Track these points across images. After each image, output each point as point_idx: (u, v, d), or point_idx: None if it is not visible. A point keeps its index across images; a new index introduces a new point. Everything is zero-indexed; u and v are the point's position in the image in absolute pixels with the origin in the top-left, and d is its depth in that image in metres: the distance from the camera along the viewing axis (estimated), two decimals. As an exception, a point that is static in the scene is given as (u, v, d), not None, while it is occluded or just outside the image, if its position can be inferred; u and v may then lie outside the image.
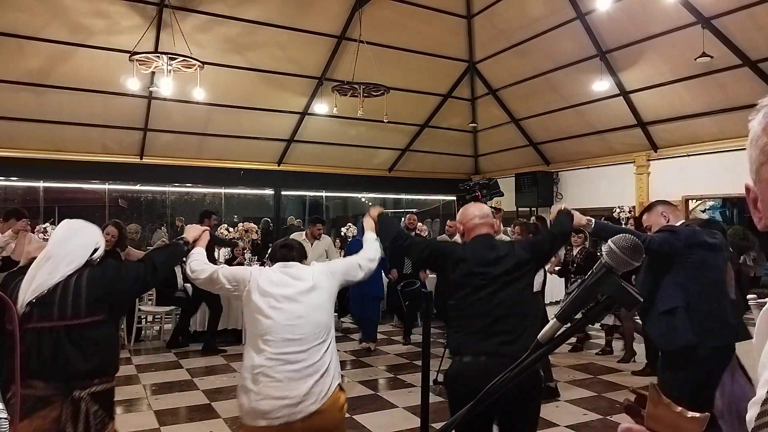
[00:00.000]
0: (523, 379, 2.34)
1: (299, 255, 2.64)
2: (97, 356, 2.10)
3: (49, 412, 1.97)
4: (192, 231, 2.56)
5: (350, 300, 7.59)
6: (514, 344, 2.34)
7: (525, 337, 2.37)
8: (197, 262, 2.52)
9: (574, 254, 6.55)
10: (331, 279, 2.58)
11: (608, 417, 4.45)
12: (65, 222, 2.23)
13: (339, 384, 2.51)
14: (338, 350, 2.64)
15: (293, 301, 2.43)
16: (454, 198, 13.18)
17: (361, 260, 2.74)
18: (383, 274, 7.40)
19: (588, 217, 3.08)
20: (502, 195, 4.68)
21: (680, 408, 0.63)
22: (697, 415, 0.62)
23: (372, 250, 2.80)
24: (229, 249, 8.39)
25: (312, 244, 6.70)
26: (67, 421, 1.99)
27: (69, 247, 2.12)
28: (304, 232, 7.13)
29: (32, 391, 1.95)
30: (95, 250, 2.20)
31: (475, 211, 2.71)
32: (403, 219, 8.38)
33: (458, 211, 2.97)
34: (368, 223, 2.95)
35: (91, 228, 2.26)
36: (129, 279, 2.20)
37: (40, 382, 1.97)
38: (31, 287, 2.01)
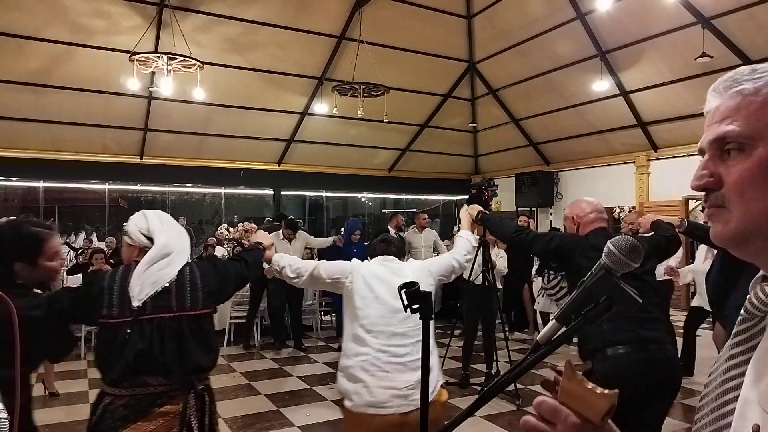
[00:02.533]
0: (676, 367, 2.51)
1: (398, 251, 2.66)
2: (212, 349, 2.10)
3: (171, 407, 1.91)
4: (265, 236, 2.57)
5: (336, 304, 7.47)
6: (658, 330, 2.46)
7: (663, 323, 2.57)
8: (294, 265, 2.54)
9: None
10: (429, 278, 2.58)
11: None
12: (159, 215, 2.15)
13: (441, 382, 2.52)
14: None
15: (399, 297, 2.45)
16: (455, 198, 13.21)
17: (454, 259, 2.71)
18: None
19: (680, 218, 3.25)
20: (496, 195, 4.84)
21: (591, 384, 0.65)
22: (606, 391, 0.64)
23: (464, 247, 2.76)
24: (230, 248, 8.38)
25: (291, 243, 6.87)
26: (193, 415, 1.95)
27: (182, 241, 2.10)
28: (281, 231, 6.95)
29: (149, 389, 1.90)
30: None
31: (589, 206, 2.73)
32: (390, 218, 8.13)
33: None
34: (465, 219, 2.95)
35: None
36: (232, 274, 2.21)
37: (158, 378, 1.91)
38: (147, 281, 1.94)
